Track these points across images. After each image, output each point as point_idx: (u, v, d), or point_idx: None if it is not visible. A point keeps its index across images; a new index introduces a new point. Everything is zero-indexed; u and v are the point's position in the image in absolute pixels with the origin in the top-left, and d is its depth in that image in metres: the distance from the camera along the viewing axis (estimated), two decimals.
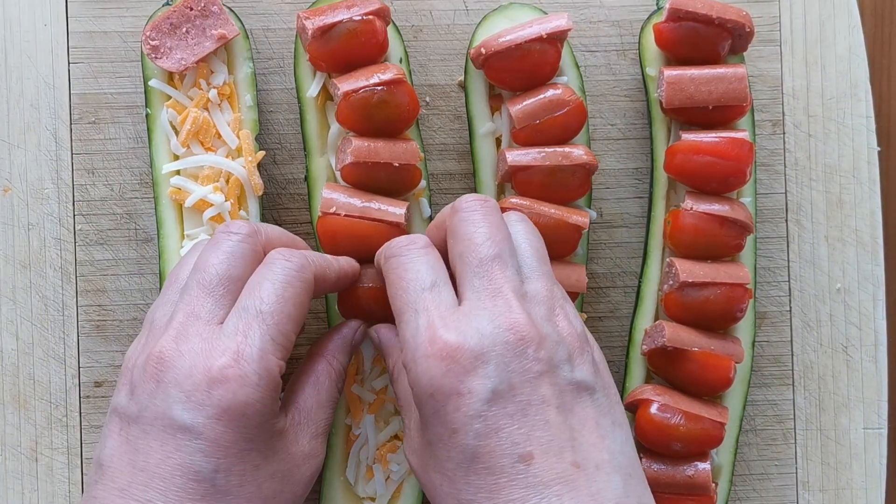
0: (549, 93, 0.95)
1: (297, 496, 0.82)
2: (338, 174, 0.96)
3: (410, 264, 0.82)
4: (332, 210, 0.93)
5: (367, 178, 0.94)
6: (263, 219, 0.99)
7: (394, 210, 0.93)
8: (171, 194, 0.97)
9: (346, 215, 0.93)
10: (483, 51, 0.95)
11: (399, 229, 0.93)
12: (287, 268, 0.82)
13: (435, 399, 0.75)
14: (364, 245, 0.93)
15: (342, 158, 0.95)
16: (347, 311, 0.95)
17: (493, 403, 0.73)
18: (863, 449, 1.04)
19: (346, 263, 0.92)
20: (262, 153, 0.98)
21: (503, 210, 0.95)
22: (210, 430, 0.75)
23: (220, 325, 0.79)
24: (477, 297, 0.78)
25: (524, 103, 0.95)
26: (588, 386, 0.77)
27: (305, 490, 0.84)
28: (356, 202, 0.93)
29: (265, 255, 0.85)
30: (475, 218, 0.82)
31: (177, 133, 0.98)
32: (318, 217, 0.94)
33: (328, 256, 0.90)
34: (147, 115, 0.98)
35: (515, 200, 0.95)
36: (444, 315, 0.77)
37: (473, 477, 0.73)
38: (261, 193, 0.98)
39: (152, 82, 0.98)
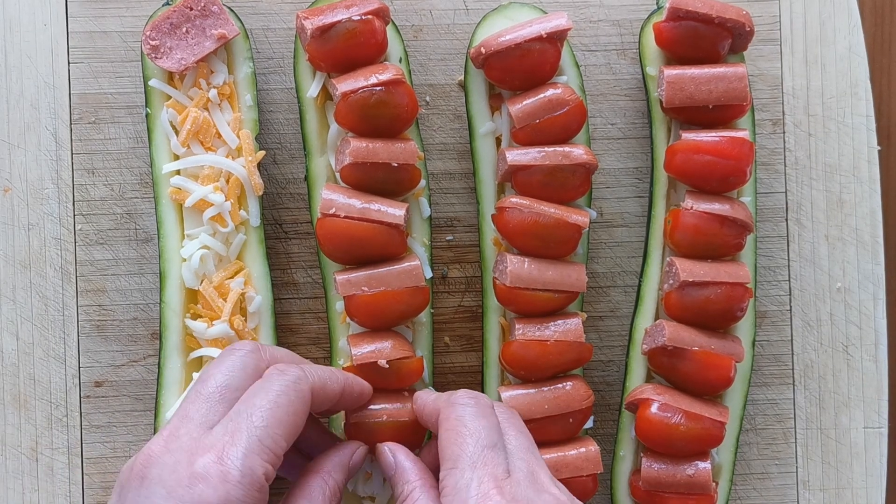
0: (549, 92, 0.95)
1: None
2: (337, 175, 0.96)
3: (477, 418, 0.83)
4: (331, 211, 0.93)
5: (366, 179, 0.94)
6: (263, 218, 0.99)
7: (393, 211, 0.93)
8: (171, 194, 0.97)
9: (345, 217, 0.93)
10: (483, 50, 0.95)
11: (398, 231, 0.93)
12: (282, 379, 0.83)
13: None
14: (363, 246, 0.93)
15: (341, 159, 0.94)
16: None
17: None
18: (863, 448, 1.04)
19: (355, 381, 0.92)
20: (262, 153, 0.98)
21: (502, 210, 0.95)
22: None
23: (211, 429, 0.81)
24: (523, 472, 0.81)
25: (524, 103, 0.95)
26: None
27: None
28: (356, 203, 0.93)
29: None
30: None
31: (177, 133, 0.98)
32: (318, 218, 0.94)
33: (334, 370, 0.90)
34: (147, 115, 0.98)
35: (515, 200, 0.95)
36: (500, 478, 0.79)
37: None
38: (261, 193, 0.98)
39: (152, 82, 0.98)
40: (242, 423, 0.80)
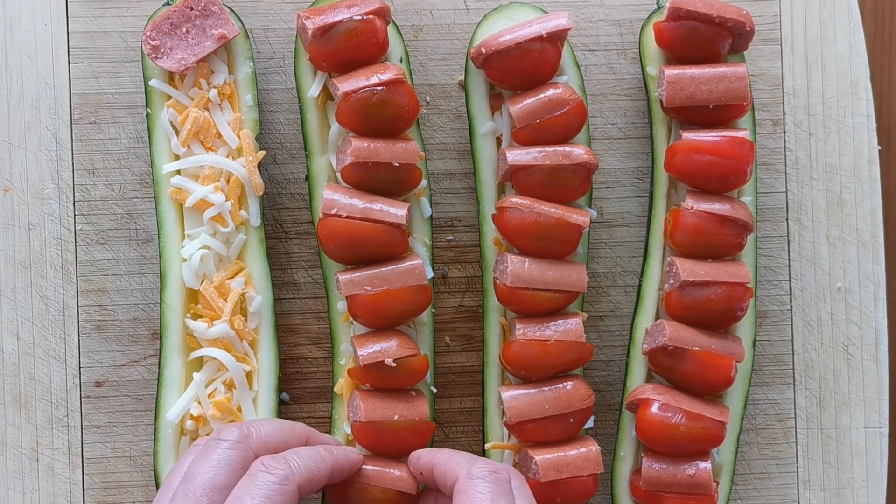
0: (550, 92, 0.95)
1: None
2: (338, 175, 0.96)
3: (498, 498, 0.82)
4: (333, 211, 0.93)
5: (367, 179, 0.94)
6: (264, 218, 0.99)
7: (395, 211, 0.93)
8: (171, 194, 0.97)
9: (347, 217, 0.93)
10: (483, 50, 0.95)
11: (400, 230, 0.93)
12: (268, 482, 0.82)
13: None
14: (365, 246, 0.93)
15: (342, 159, 0.94)
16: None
17: None
18: (864, 448, 1.04)
19: (345, 458, 0.91)
20: (262, 153, 0.98)
21: (502, 210, 0.95)
22: None
23: None
24: None
25: (524, 103, 0.95)
26: None
27: None
28: (357, 203, 0.93)
29: (259, 456, 0.86)
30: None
31: (177, 133, 0.98)
32: (319, 219, 0.94)
33: (322, 453, 0.89)
34: (147, 115, 0.98)
35: (516, 200, 0.95)
36: None
37: None
38: (261, 193, 0.98)
39: (152, 82, 0.98)
40: None
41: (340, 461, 0.90)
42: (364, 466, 0.93)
